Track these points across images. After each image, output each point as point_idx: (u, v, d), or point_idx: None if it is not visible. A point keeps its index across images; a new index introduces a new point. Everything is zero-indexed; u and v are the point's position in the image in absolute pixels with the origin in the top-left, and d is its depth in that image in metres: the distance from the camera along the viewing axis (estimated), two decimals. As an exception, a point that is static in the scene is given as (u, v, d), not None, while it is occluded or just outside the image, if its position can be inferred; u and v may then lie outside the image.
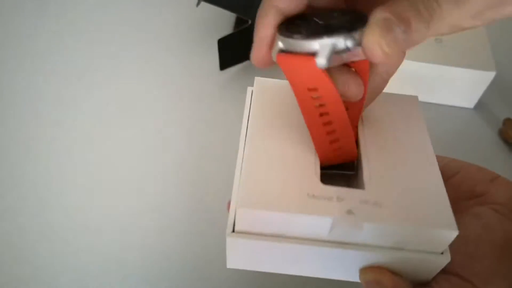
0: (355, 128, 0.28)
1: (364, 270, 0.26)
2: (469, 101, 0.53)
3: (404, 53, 0.25)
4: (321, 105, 0.24)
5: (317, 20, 0.23)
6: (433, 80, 0.52)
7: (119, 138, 0.49)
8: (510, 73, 0.57)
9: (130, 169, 0.46)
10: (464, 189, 0.30)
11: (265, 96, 0.30)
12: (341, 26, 0.21)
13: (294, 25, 0.23)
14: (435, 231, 0.23)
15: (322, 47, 0.21)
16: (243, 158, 0.27)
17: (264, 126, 0.28)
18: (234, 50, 0.55)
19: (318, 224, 0.24)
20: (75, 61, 0.58)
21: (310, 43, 0.21)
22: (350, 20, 0.22)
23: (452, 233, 0.23)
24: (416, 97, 0.32)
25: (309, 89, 0.23)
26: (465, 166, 0.31)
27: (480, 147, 0.50)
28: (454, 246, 0.25)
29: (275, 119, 0.28)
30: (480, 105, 0.54)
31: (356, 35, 0.21)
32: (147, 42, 0.60)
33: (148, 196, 0.44)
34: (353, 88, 0.24)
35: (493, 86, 0.51)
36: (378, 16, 0.20)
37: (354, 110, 0.27)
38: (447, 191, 0.25)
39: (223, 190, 0.45)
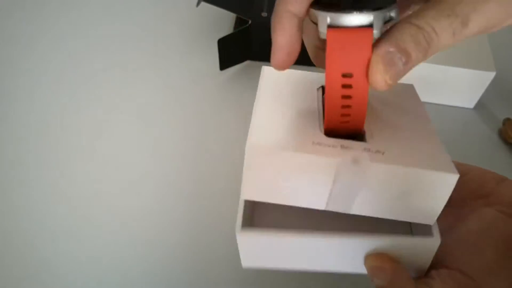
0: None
1: (368, 257, 0.27)
2: (469, 101, 0.53)
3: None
4: (347, 88, 0.24)
5: None
6: (433, 80, 0.52)
7: (118, 137, 0.49)
8: (510, 73, 0.57)
9: (129, 169, 0.46)
10: (471, 189, 0.31)
11: (273, 79, 0.31)
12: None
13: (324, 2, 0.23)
14: (437, 174, 0.24)
15: (376, 19, 0.22)
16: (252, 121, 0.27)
17: (272, 98, 0.29)
18: (234, 50, 0.55)
19: (323, 170, 0.24)
20: (75, 62, 0.58)
21: (365, 16, 0.22)
22: None
23: (453, 177, 0.24)
24: (411, 85, 0.33)
25: (343, 75, 0.24)
26: (473, 169, 0.32)
27: (480, 147, 0.50)
28: (457, 242, 0.26)
29: (282, 94, 0.30)
30: (480, 105, 0.54)
31: (396, 5, 0.22)
32: (147, 42, 0.60)
33: (148, 196, 0.44)
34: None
35: (493, 86, 0.51)
36: (382, 49, 0.22)
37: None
38: (456, 190, 0.25)
39: (223, 189, 0.45)
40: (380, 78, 0.22)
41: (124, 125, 0.50)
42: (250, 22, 0.53)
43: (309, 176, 0.25)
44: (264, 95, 0.30)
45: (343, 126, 0.26)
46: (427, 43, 0.22)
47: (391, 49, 0.22)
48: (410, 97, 0.32)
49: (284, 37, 0.25)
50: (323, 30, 0.23)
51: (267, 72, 0.32)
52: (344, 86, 0.24)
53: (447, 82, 0.52)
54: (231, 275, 0.39)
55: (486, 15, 0.21)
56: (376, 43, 0.22)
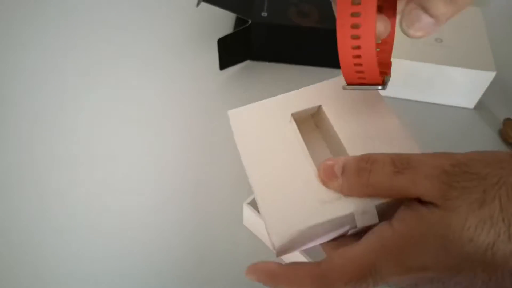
0: (388, 65, 0.30)
1: None
2: (469, 101, 0.53)
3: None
4: (355, 38, 0.26)
5: None
6: (433, 80, 0.52)
7: (118, 137, 0.49)
8: (510, 73, 0.57)
9: (129, 169, 0.46)
10: None
11: (244, 124, 0.32)
12: None
13: None
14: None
15: None
16: (254, 190, 0.29)
17: (255, 151, 0.30)
18: (234, 50, 0.55)
19: (339, 225, 0.27)
20: (75, 62, 0.57)
21: None
22: None
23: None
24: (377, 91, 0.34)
25: (352, 14, 0.25)
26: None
27: (480, 147, 0.49)
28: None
29: (261, 141, 0.31)
30: (480, 105, 0.54)
31: None
32: (147, 42, 0.60)
33: (148, 195, 0.44)
34: (380, 26, 0.27)
35: (493, 86, 0.51)
36: (406, 7, 0.25)
37: (386, 47, 0.30)
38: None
39: (223, 188, 0.45)
40: (408, 30, 0.26)
41: (124, 125, 0.50)
42: (250, 22, 0.53)
43: (330, 231, 0.27)
44: (245, 147, 0.31)
45: (361, 82, 0.28)
46: None
47: (413, 6, 0.25)
48: (375, 99, 0.33)
49: None
50: None
51: (235, 116, 0.32)
52: (354, 47, 0.26)
53: (447, 82, 0.52)
54: (231, 274, 0.39)
55: None
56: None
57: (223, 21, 0.63)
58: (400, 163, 0.24)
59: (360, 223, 0.26)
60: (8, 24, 0.62)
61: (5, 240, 0.41)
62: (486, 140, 0.50)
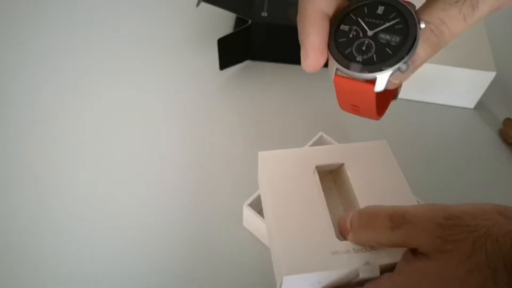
0: (385, 108, 0.32)
1: None
2: (469, 101, 0.53)
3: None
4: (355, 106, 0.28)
5: (366, 28, 0.24)
6: (433, 80, 0.52)
7: (118, 137, 0.49)
8: (510, 73, 0.57)
9: (129, 169, 0.46)
10: None
11: (272, 167, 0.35)
12: (397, 54, 0.23)
13: (345, 39, 0.24)
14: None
15: (381, 78, 0.23)
16: (272, 227, 0.32)
17: (279, 193, 0.34)
18: (234, 50, 0.55)
19: (345, 274, 0.30)
20: (75, 62, 0.57)
21: (370, 76, 0.23)
22: (401, 32, 0.23)
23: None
24: (385, 141, 0.38)
25: (353, 105, 0.27)
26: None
27: (480, 147, 0.50)
28: None
29: (285, 185, 0.34)
30: (480, 105, 0.54)
31: (408, 58, 0.23)
32: (147, 42, 0.60)
33: (148, 195, 0.44)
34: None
35: (493, 86, 0.51)
36: None
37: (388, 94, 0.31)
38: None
39: (223, 188, 0.45)
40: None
41: (124, 124, 0.50)
42: (250, 22, 0.53)
43: (336, 278, 0.30)
44: (270, 188, 0.34)
45: (356, 113, 0.30)
46: (437, 37, 0.22)
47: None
48: (385, 154, 0.37)
49: (317, 36, 0.25)
50: (330, 71, 0.25)
51: (264, 158, 0.36)
52: (353, 106, 0.27)
53: (447, 82, 0.52)
54: (231, 275, 0.39)
55: None
56: None
57: (223, 21, 0.63)
58: (397, 218, 0.27)
59: (363, 275, 0.29)
60: (8, 24, 0.62)
61: (5, 240, 0.41)
62: (486, 140, 0.50)
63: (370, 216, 0.28)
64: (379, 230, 0.28)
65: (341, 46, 0.24)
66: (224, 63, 0.55)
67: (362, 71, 0.23)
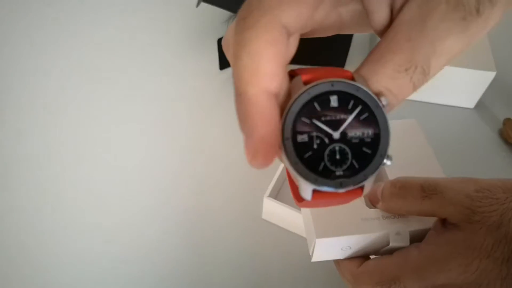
0: None
1: None
2: (469, 101, 0.53)
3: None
4: None
5: (328, 130, 0.19)
6: (433, 80, 0.51)
7: (118, 137, 0.49)
8: (510, 73, 0.57)
9: (129, 169, 0.46)
10: None
11: None
12: (377, 151, 0.19)
13: (310, 152, 0.19)
14: None
15: (369, 182, 0.19)
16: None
17: None
18: (234, 50, 0.55)
19: (375, 240, 0.30)
20: (75, 62, 0.58)
21: (358, 185, 0.19)
22: (369, 121, 0.19)
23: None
24: (414, 120, 0.38)
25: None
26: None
27: (480, 147, 0.50)
28: None
29: None
30: (480, 105, 0.54)
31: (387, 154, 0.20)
32: (147, 42, 0.60)
33: (148, 195, 0.44)
34: None
35: (493, 86, 0.51)
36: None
37: None
38: None
39: (223, 188, 0.45)
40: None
41: (124, 124, 0.50)
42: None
43: (366, 244, 0.31)
44: None
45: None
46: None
47: None
48: (414, 133, 0.37)
49: (267, 126, 0.18)
50: (302, 189, 0.19)
51: None
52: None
53: (447, 82, 0.52)
54: (231, 274, 0.39)
55: (447, 53, 0.19)
56: None
57: (223, 21, 0.63)
58: (428, 188, 0.28)
59: (393, 243, 0.29)
60: (8, 24, 0.62)
61: (5, 240, 0.41)
62: (486, 140, 0.50)
63: (402, 186, 0.29)
64: (410, 199, 0.28)
65: (310, 163, 0.19)
66: (224, 63, 0.55)
67: (347, 185, 0.19)
